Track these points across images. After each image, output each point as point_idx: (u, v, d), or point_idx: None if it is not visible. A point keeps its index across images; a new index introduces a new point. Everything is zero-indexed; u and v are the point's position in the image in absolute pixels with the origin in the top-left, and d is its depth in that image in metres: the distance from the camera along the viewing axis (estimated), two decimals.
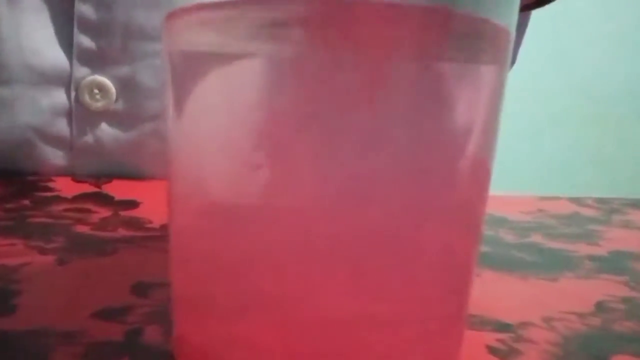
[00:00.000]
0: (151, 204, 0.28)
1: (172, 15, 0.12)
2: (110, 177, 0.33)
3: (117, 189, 0.31)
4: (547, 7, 0.33)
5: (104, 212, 0.26)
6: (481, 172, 0.12)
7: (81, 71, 0.32)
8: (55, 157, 0.33)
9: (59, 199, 0.28)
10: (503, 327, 0.16)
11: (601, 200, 0.38)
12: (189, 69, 0.12)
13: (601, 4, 1.24)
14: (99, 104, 0.33)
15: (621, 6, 1.25)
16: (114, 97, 0.33)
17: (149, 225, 0.24)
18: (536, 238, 0.27)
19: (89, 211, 0.26)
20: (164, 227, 0.24)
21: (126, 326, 0.15)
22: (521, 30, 0.38)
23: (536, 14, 0.36)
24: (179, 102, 0.12)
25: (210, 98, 0.11)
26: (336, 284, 0.11)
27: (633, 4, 1.26)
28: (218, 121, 0.11)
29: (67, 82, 0.32)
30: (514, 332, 0.16)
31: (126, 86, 0.33)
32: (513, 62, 0.38)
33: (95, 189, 0.31)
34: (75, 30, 0.32)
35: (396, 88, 0.11)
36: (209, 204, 0.12)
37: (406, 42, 0.10)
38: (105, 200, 0.28)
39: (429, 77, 0.11)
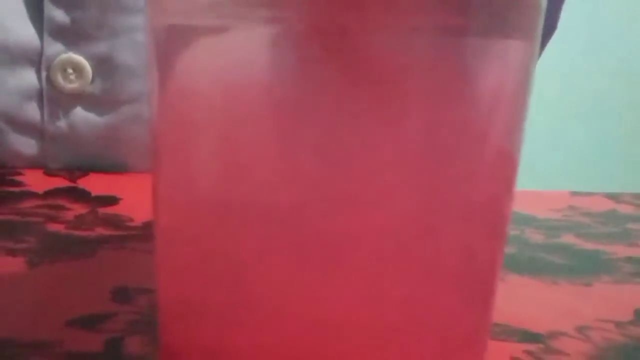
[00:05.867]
0: (132, 200, 0.28)
1: None
2: (86, 169, 0.33)
3: (94, 184, 0.31)
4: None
5: (80, 209, 0.26)
6: (506, 165, 0.12)
7: (53, 48, 0.32)
8: (25, 145, 0.34)
9: (29, 195, 0.28)
10: (531, 338, 0.16)
11: None
12: (177, 44, 0.12)
13: None
14: (73, 85, 0.33)
15: None
16: (90, 77, 0.33)
17: (130, 224, 0.24)
18: (567, 238, 0.27)
19: (62, 208, 0.26)
20: (147, 226, 0.24)
21: (105, 335, 0.15)
22: None
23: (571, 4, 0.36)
24: (165, 83, 0.12)
25: (201, 77, 0.11)
26: (343, 292, 0.11)
27: None
28: (210, 104, 0.11)
29: (37, 60, 0.32)
30: (543, 342, 0.16)
31: (103, 65, 0.33)
32: (554, 29, 0.38)
33: (70, 184, 0.31)
34: (46, 1, 0.32)
35: (409, 67, 0.10)
36: (199, 199, 0.12)
37: (423, 15, 0.10)
38: (81, 195, 0.28)
39: (448, 53, 0.11)
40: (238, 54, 0.11)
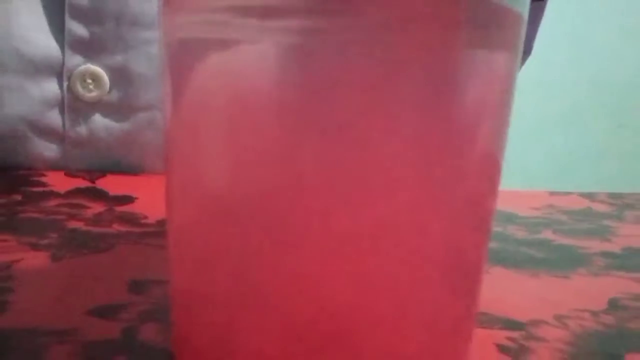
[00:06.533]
0: (147, 199, 0.28)
1: (170, 1, 0.12)
2: (104, 171, 0.33)
3: (112, 184, 0.31)
4: (562, 4, 0.33)
5: (98, 208, 0.26)
6: (491, 166, 0.12)
7: (73, 60, 0.32)
8: (47, 149, 0.34)
9: (51, 194, 0.28)
10: (513, 326, 0.16)
11: (614, 196, 0.38)
12: (188, 56, 0.12)
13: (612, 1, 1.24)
14: (92, 94, 0.33)
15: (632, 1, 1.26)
16: (108, 86, 0.33)
17: (145, 221, 0.24)
18: (547, 234, 0.27)
19: (82, 206, 0.26)
20: (160, 223, 0.24)
21: (123, 323, 0.15)
22: (536, 21, 0.38)
23: (550, 6, 0.36)
24: (177, 92, 0.12)
25: (211, 87, 0.11)
26: (339, 284, 0.11)
27: None
28: (218, 112, 0.11)
29: (58, 71, 0.32)
30: (525, 330, 0.16)
31: (120, 75, 0.33)
32: (529, 52, 0.38)
33: (89, 184, 0.31)
34: (67, 16, 0.32)
35: (403, 77, 0.10)
36: (209, 199, 0.12)
37: (414, 30, 0.10)
38: (99, 195, 0.28)
39: (437, 63, 0.11)
40: (244, 66, 0.11)
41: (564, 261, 0.23)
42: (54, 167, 0.34)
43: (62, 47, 0.32)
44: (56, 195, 0.28)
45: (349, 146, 0.11)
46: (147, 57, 0.33)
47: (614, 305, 0.19)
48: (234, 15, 0.11)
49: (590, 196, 0.37)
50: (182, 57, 0.12)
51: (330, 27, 0.10)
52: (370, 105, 0.10)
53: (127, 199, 0.28)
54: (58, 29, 0.32)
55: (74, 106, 0.33)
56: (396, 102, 0.11)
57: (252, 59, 0.11)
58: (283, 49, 0.11)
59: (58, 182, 0.30)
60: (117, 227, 0.23)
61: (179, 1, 0.12)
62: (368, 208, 0.11)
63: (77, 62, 0.32)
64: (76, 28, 0.32)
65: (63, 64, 0.32)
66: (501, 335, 0.16)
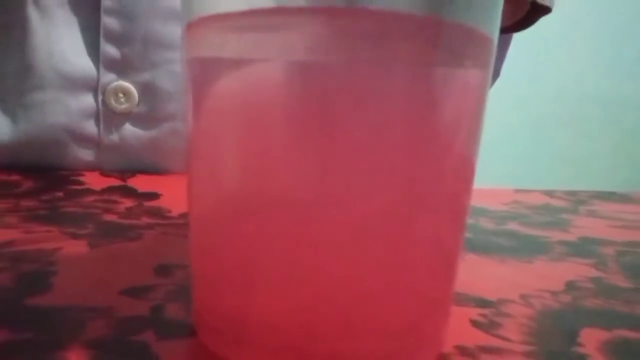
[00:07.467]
0: (171, 196, 0.28)
1: (191, 25, 0.12)
2: (134, 172, 0.33)
3: (141, 182, 0.31)
4: (526, 31, 0.33)
5: (129, 203, 0.26)
6: (466, 168, 0.12)
7: (107, 77, 0.32)
8: (85, 154, 0.33)
9: (89, 191, 0.28)
10: (485, 304, 0.16)
11: (570, 193, 0.38)
12: (207, 73, 0.12)
13: (573, 25, 1.25)
14: (123, 107, 0.33)
15: (589, 26, 1.27)
16: (137, 100, 0.33)
17: (169, 214, 0.24)
18: (512, 226, 0.27)
19: (115, 202, 0.26)
20: (182, 216, 0.24)
21: (150, 302, 0.15)
22: (504, 49, 0.38)
23: (517, 36, 0.36)
24: (197, 105, 0.12)
25: (226, 100, 0.11)
26: (335, 268, 0.11)
27: (600, 25, 1.28)
28: (233, 120, 0.11)
29: (94, 87, 0.32)
30: (494, 307, 0.16)
31: (147, 90, 0.33)
32: (498, 75, 0.38)
33: (121, 183, 0.31)
34: (102, 40, 0.32)
35: (390, 92, 0.10)
36: (224, 195, 0.12)
37: (401, 49, 0.10)
38: (129, 192, 0.28)
39: (421, 80, 0.11)
40: (256, 81, 0.11)
41: (527, 249, 0.23)
42: (91, 168, 0.33)
43: (97, 67, 0.32)
44: (92, 192, 0.28)
45: (346, 151, 0.11)
46: (171, 75, 0.33)
47: (570, 286, 0.19)
48: (247, 37, 0.11)
49: (549, 193, 0.37)
50: (201, 74, 0.12)
51: (330, 49, 0.10)
52: (364, 116, 0.10)
53: (154, 196, 0.28)
54: (94, 51, 0.32)
55: (108, 117, 0.33)
56: (387, 114, 0.11)
57: (261, 75, 0.11)
58: (288, 66, 0.11)
59: (94, 181, 0.30)
60: (145, 220, 0.23)
61: (199, 26, 0.12)
62: (362, 203, 0.11)
63: (110, 79, 0.32)
64: (109, 50, 0.32)
65: (98, 80, 0.32)
66: (474, 312, 0.16)
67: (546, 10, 0.30)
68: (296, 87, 0.11)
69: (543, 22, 0.32)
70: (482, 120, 0.12)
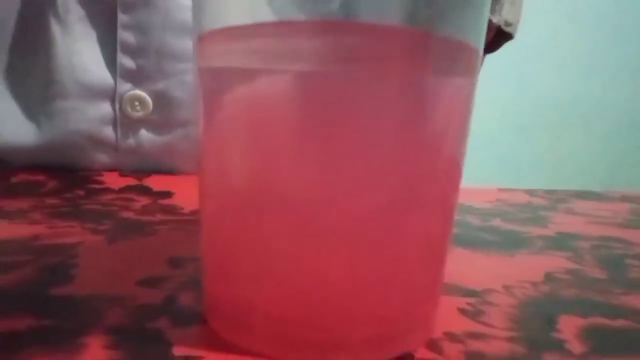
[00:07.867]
0: (183, 194, 0.28)
1: (202, 38, 0.12)
2: (149, 173, 0.33)
3: (155, 182, 0.31)
4: (509, 43, 0.32)
5: (145, 201, 0.26)
6: (455, 169, 0.12)
7: (124, 86, 0.32)
8: (104, 157, 0.33)
9: (107, 190, 0.28)
10: (471, 293, 0.16)
11: (550, 192, 0.38)
12: (217, 83, 0.12)
13: (555, 34, 1.25)
14: (138, 114, 0.33)
15: (570, 35, 1.27)
16: (151, 108, 0.33)
17: (182, 211, 0.24)
18: (496, 222, 0.27)
19: (132, 200, 0.26)
20: (193, 212, 0.24)
21: (164, 292, 0.15)
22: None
23: (503, 48, 0.36)
24: (208, 111, 0.12)
25: (234, 107, 0.11)
26: (334, 261, 0.11)
27: (580, 34, 1.28)
28: (241, 126, 0.11)
29: (112, 96, 0.32)
30: (480, 297, 0.16)
31: (161, 99, 0.33)
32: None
33: (138, 182, 0.31)
34: (119, 52, 0.32)
35: (387, 99, 0.11)
36: (232, 194, 0.12)
37: (395, 60, 0.11)
38: (145, 191, 0.28)
39: (413, 88, 0.11)
40: (262, 90, 0.11)
41: (510, 243, 0.23)
42: (109, 169, 0.33)
43: (114, 77, 0.32)
44: (111, 191, 0.28)
45: (345, 153, 0.11)
46: (183, 84, 0.33)
47: (549, 277, 0.19)
48: (251, 49, 0.11)
49: (531, 192, 0.37)
50: (211, 82, 0.12)
51: (334, 59, 0.10)
52: (362, 122, 0.11)
53: (167, 194, 0.28)
54: (111, 62, 0.32)
55: (125, 123, 0.33)
56: (382, 120, 0.11)
57: (266, 83, 0.11)
58: (292, 76, 0.11)
59: (112, 180, 0.30)
60: (159, 216, 0.23)
61: (209, 38, 0.12)
62: (359, 201, 0.11)
63: (126, 89, 0.32)
64: (126, 61, 0.32)
65: (115, 90, 0.32)
66: (461, 301, 0.16)
67: (508, 36, 0.30)
68: (298, 95, 0.11)
69: (525, 30, 0.32)
70: (469, 125, 0.12)
